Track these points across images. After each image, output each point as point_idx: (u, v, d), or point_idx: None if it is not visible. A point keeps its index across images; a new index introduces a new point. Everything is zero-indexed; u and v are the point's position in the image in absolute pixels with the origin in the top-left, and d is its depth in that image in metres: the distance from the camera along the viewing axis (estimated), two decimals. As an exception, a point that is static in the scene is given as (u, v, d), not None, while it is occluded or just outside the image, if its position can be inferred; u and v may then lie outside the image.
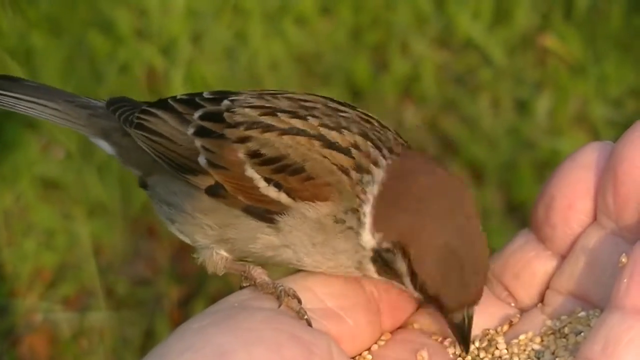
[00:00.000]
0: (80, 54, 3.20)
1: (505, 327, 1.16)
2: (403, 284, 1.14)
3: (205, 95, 1.24)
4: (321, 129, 1.15)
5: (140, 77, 3.12)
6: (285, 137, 1.14)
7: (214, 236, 1.18)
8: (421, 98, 3.17)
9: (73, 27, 3.27)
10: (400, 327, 1.19)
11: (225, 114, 1.19)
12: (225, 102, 1.21)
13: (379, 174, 1.13)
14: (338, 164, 1.12)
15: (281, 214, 1.13)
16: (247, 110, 1.18)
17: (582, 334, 1.09)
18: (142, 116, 1.25)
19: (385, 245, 1.12)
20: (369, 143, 1.14)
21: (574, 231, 1.13)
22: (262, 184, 1.14)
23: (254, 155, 1.15)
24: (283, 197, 1.13)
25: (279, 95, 1.21)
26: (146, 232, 2.88)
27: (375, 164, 1.13)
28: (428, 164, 1.16)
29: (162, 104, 1.25)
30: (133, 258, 2.85)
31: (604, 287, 1.08)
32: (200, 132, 1.19)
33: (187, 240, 1.21)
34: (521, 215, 2.78)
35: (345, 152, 1.13)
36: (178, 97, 1.26)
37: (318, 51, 3.27)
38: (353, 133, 1.15)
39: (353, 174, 1.12)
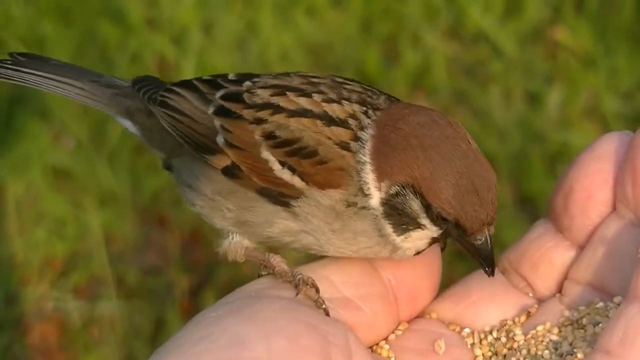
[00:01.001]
0: (91, 42, 3.20)
1: (523, 318, 1.15)
2: (420, 225, 1.12)
3: (230, 77, 1.25)
4: (324, 104, 1.16)
5: (152, 66, 3.12)
6: (292, 120, 1.15)
7: (232, 219, 1.18)
8: (432, 90, 3.16)
9: (83, 16, 3.27)
10: (417, 317, 1.18)
11: (245, 95, 1.20)
12: (247, 83, 1.22)
13: (366, 134, 1.13)
14: (340, 141, 1.13)
15: (296, 199, 1.13)
16: (260, 91, 1.19)
17: (600, 325, 1.08)
18: (165, 94, 1.26)
19: (394, 189, 1.11)
20: (363, 108, 1.15)
21: (592, 221, 1.12)
22: (276, 167, 1.14)
23: (269, 137, 1.15)
24: (297, 181, 1.13)
25: (292, 74, 1.22)
26: (157, 221, 2.88)
27: (363, 128, 1.14)
28: (411, 106, 1.17)
29: (186, 83, 1.27)
30: (143, 247, 2.85)
31: (622, 277, 1.07)
32: (220, 112, 1.20)
33: (209, 223, 1.22)
34: (532, 207, 2.76)
35: (344, 124, 1.14)
36: (203, 78, 1.27)
37: (329, 42, 3.26)
38: (352, 102, 1.16)
39: (352, 145, 1.13)
